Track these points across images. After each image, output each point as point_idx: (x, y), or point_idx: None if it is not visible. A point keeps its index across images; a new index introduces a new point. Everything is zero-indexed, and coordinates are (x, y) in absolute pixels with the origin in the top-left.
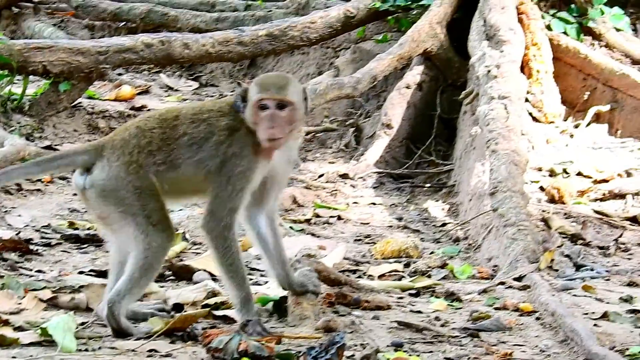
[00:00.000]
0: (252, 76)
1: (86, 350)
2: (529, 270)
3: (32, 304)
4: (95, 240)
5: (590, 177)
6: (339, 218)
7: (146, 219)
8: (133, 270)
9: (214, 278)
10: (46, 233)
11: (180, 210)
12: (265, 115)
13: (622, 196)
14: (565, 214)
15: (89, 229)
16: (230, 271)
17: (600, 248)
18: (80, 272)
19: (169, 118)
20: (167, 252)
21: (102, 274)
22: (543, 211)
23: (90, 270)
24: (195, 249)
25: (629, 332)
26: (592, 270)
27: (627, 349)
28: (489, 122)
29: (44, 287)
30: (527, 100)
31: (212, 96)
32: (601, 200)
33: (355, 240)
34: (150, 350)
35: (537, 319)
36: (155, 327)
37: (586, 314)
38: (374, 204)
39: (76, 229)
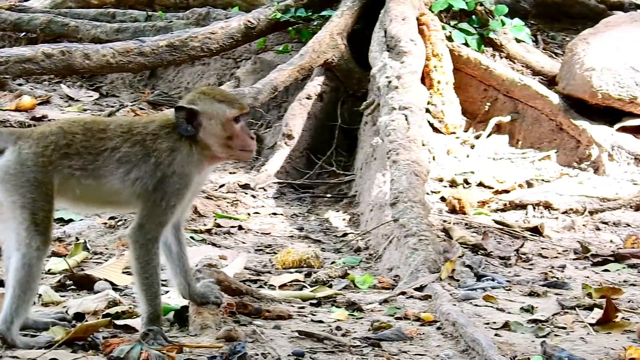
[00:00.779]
0: (152, 86)
1: None
2: (430, 280)
3: None
4: None
5: (491, 188)
6: (240, 228)
7: (32, 215)
8: (14, 287)
9: (115, 288)
10: None
11: (81, 220)
12: (241, 129)
13: (522, 206)
14: (466, 224)
15: None
16: (146, 284)
17: (501, 258)
18: None
19: (95, 129)
20: (44, 257)
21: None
22: (444, 221)
23: None
24: (96, 258)
25: (529, 342)
26: (493, 280)
27: (528, 358)
28: (390, 133)
29: None
30: (428, 111)
31: (112, 106)
32: (502, 210)
33: (257, 250)
34: None
35: (438, 328)
36: (56, 337)
37: (487, 323)
38: (275, 214)
39: None
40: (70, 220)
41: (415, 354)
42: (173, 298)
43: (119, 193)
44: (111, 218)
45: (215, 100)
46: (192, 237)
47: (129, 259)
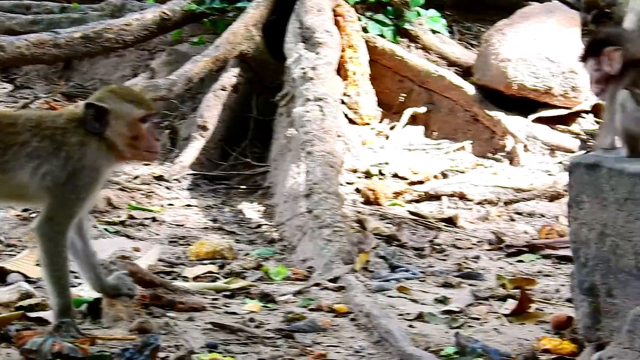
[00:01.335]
0: (67, 78)
1: None
2: (344, 272)
3: None
4: None
5: (406, 179)
6: (154, 220)
7: None
8: None
9: (27, 280)
10: None
11: None
12: (148, 130)
13: (437, 197)
14: (380, 215)
15: None
16: (55, 277)
17: (416, 249)
18: None
19: (4, 123)
20: None
21: None
22: (358, 212)
23: None
24: (10, 250)
25: (443, 333)
26: (407, 271)
27: (442, 349)
28: (305, 124)
29: None
30: (343, 102)
31: (26, 98)
32: (417, 201)
33: (170, 241)
34: None
35: (352, 320)
36: None
37: (401, 314)
38: (190, 205)
39: None
40: None
41: (329, 346)
42: (86, 290)
43: (28, 187)
44: (24, 210)
45: (124, 99)
46: (105, 229)
47: (38, 253)
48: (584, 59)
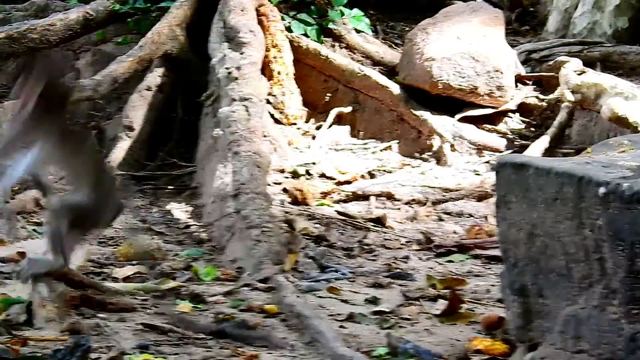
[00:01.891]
0: None
1: None
2: (273, 272)
3: None
4: None
5: (333, 179)
6: None
7: None
8: None
9: None
10: None
11: None
12: None
13: (365, 197)
14: (309, 215)
15: None
16: None
17: (345, 249)
18: None
19: None
20: None
21: None
22: (286, 213)
23: None
24: None
25: (374, 334)
26: (336, 271)
27: (373, 350)
28: (230, 124)
29: None
30: (268, 102)
31: None
32: (344, 201)
33: (99, 242)
34: None
35: (283, 320)
36: None
37: (332, 315)
38: None
39: None
40: None
41: (261, 346)
42: (17, 290)
43: None
44: None
45: None
46: (34, 230)
47: None
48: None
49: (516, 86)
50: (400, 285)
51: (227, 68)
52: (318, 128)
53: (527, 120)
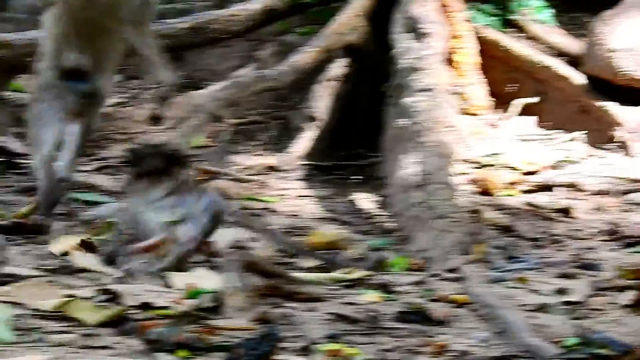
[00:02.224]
0: (174, 70)
1: (22, 342)
2: (460, 262)
3: None
4: (25, 232)
5: (519, 169)
6: (269, 210)
7: None
8: None
9: None
10: None
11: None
12: None
13: (551, 188)
14: (494, 206)
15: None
16: None
17: (531, 240)
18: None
19: None
20: None
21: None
22: (472, 203)
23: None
24: None
25: (564, 324)
26: (524, 262)
27: (563, 340)
28: (414, 114)
29: None
30: (452, 92)
31: (135, 89)
32: (530, 192)
33: (286, 232)
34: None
35: (472, 310)
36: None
37: (520, 305)
38: (303, 196)
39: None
40: (100, 203)
41: (450, 336)
42: (206, 278)
43: None
44: None
45: None
46: None
47: None
48: None
49: None
50: (588, 275)
51: (409, 58)
52: (502, 119)
53: None
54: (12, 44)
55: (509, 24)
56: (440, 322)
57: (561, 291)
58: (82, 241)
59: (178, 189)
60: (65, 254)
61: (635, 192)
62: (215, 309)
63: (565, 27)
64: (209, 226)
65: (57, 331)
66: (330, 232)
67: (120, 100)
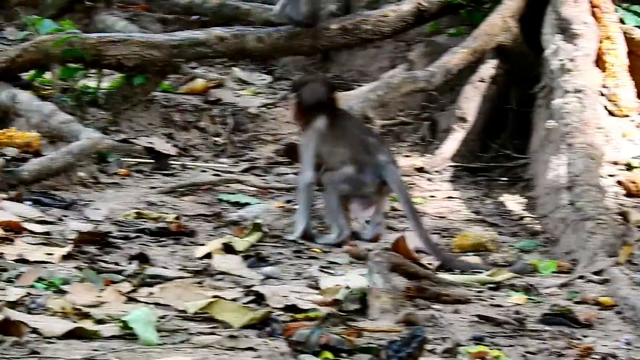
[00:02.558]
0: (325, 70)
1: (167, 343)
2: (608, 264)
3: (112, 297)
4: (170, 234)
5: None
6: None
7: None
8: None
9: None
10: (124, 226)
11: (258, 203)
12: None
13: None
14: None
15: (162, 221)
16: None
17: None
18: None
19: None
20: None
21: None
22: (621, 205)
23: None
24: (274, 242)
25: None
26: None
27: None
28: (564, 116)
29: (124, 280)
30: (601, 94)
31: (286, 90)
32: None
33: (433, 233)
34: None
35: (618, 313)
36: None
37: None
38: (451, 197)
39: (155, 220)
40: (247, 204)
41: (595, 338)
42: (352, 280)
43: None
44: (288, 202)
45: None
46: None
47: None
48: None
49: None
50: None
51: (560, 60)
52: None
53: None
54: (161, 45)
55: None
56: (585, 325)
57: None
58: (224, 244)
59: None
60: (209, 256)
61: None
62: (361, 311)
63: None
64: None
65: (202, 332)
66: (477, 233)
67: (268, 101)
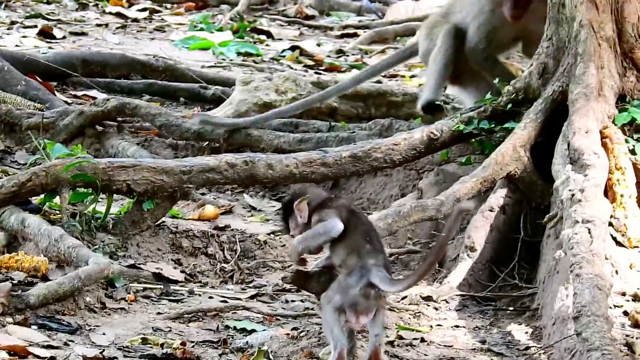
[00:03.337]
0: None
1: None
2: None
3: None
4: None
5: None
6: (422, 340)
7: None
8: None
9: None
10: (129, 351)
11: (264, 330)
12: None
13: None
14: None
15: (168, 347)
16: None
17: None
18: None
19: None
20: None
21: None
22: (627, 336)
23: None
24: None
25: None
26: None
27: None
28: (573, 246)
29: None
30: (610, 224)
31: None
32: None
33: None
34: None
35: None
36: None
37: None
38: (457, 326)
39: (161, 346)
40: (253, 331)
41: None
42: None
43: None
44: (294, 329)
45: None
46: None
47: None
48: (284, 222)
49: None
50: None
51: (570, 190)
52: None
53: None
54: (171, 171)
55: None
56: None
57: None
58: None
59: None
60: None
61: None
62: None
63: None
64: None
65: None
66: None
67: (276, 228)
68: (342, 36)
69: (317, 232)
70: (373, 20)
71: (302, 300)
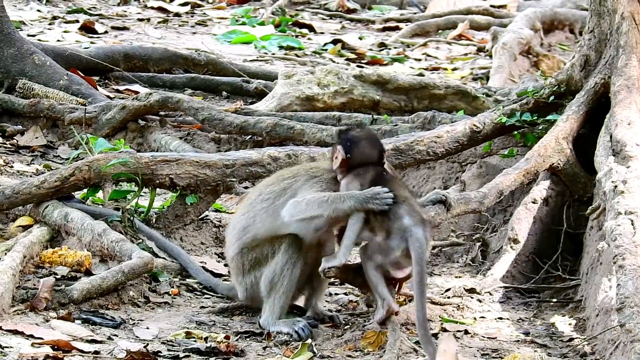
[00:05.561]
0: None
1: None
2: None
3: None
4: (219, 353)
5: None
6: (466, 332)
7: None
8: None
9: None
10: (173, 345)
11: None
12: None
13: None
14: None
15: (212, 341)
16: None
17: None
18: None
19: None
20: None
21: None
22: None
23: None
24: None
25: None
26: None
27: None
28: (616, 238)
29: None
30: None
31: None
32: None
33: (483, 354)
34: None
35: None
36: None
37: None
38: (501, 318)
39: (205, 339)
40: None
41: None
42: None
43: None
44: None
45: None
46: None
47: None
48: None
49: None
50: None
51: (613, 182)
52: None
53: None
54: (214, 165)
55: None
56: None
57: None
58: None
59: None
60: None
61: None
62: None
63: None
64: None
65: None
66: (527, 355)
67: None
68: (384, 29)
69: (350, 240)
70: (415, 13)
71: (345, 294)
